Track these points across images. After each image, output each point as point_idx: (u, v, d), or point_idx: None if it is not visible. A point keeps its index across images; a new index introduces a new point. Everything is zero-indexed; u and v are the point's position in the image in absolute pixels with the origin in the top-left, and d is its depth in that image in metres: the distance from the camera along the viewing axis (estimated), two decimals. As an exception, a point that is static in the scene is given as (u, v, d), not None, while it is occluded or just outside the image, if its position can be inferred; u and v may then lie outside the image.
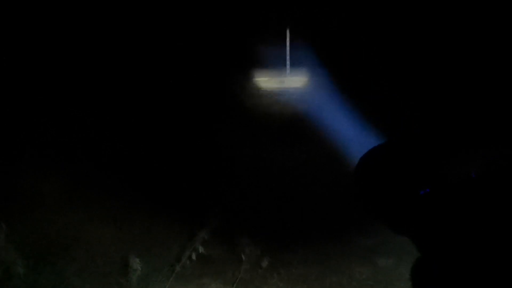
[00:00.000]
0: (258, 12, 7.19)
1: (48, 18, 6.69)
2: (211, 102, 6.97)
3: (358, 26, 6.92)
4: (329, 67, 7.11)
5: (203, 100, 6.95)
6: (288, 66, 7.58)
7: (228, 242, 4.72)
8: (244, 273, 4.45)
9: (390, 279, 4.52)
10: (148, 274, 4.36)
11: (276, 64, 7.62)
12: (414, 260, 1.59)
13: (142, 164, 5.78)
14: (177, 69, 7.09)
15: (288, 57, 7.55)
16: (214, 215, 4.84)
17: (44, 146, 6.18)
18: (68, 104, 6.55)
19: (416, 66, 6.76)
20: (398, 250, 4.79)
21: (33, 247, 4.54)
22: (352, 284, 4.43)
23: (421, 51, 6.77)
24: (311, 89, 7.35)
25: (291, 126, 6.86)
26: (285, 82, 7.61)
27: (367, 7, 6.90)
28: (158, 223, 4.90)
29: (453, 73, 6.57)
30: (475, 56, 6.53)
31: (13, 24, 6.54)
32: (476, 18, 6.51)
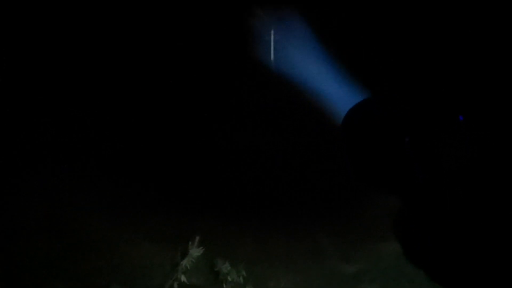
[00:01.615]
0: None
1: (48, 18, 6.75)
2: (206, 102, 7.01)
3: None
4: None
5: (198, 100, 6.99)
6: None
7: (210, 271, 4.69)
8: (226, 302, 4.45)
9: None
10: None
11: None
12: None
13: (124, 189, 5.77)
14: (177, 69, 7.13)
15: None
16: (196, 243, 4.81)
17: (44, 146, 6.19)
18: (68, 104, 6.57)
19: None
20: (382, 278, 4.79)
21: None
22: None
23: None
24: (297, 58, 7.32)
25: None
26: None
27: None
28: (140, 251, 4.86)
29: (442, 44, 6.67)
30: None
31: (13, 24, 6.60)
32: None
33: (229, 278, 4.61)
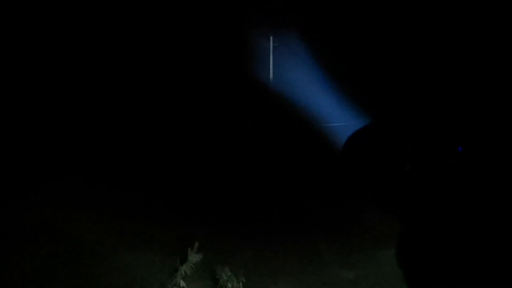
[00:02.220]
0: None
1: (48, 18, 6.72)
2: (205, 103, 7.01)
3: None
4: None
5: (198, 102, 6.98)
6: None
7: (209, 276, 4.71)
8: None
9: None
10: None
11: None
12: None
13: (121, 199, 5.77)
14: (176, 69, 7.12)
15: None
16: (195, 248, 4.83)
17: (44, 147, 6.20)
18: (68, 104, 6.57)
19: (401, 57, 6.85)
20: (381, 284, 4.81)
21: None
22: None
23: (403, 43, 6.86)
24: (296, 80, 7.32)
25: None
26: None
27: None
28: (139, 257, 4.87)
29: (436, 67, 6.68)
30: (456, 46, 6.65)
31: (13, 24, 6.58)
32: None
33: (229, 285, 4.62)
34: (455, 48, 6.78)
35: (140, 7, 6.95)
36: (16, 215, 5.36)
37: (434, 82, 6.70)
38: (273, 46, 7.32)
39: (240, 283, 4.63)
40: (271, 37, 7.35)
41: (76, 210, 5.46)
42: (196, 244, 4.82)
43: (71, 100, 6.82)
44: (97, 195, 5.75)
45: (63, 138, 6.57)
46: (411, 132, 6.19)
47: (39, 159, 6.24)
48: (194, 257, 4.74)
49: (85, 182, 6.03)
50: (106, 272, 4.68)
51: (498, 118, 6.21)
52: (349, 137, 5.95)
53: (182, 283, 4.57)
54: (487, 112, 6.33)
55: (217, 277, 4.63)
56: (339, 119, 6.29)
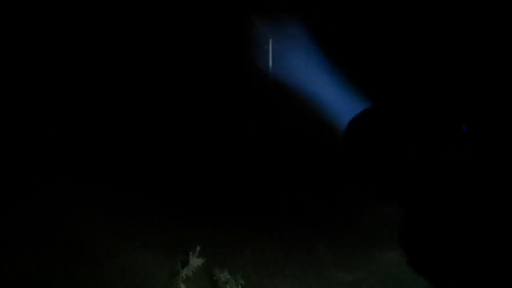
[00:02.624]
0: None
1: (48, 18, 6.72)
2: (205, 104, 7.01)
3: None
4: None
5: (197, 103, 6.98)
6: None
7: (209, 279, 4.72)
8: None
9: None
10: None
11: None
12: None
13: (124, 197, 5.79)
14: (176, 69, 7.11)
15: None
16: (196, 252, 4.85)
17: (44, 148, 6.22)
18: (68, 104, 6.57)
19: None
20: (380, 286, 4.82)
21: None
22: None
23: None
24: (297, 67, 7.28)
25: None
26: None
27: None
28: (139, 260, 4.89)
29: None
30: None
31: (13, 24, 6.58)
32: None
33: (228, 287, 4.64)
34: (456, 48, 6.77)
35: (140, 7, 6.94)
36: (15, 215, 5.38)
37: (434, 82, 6.69)
38: (272, 47, 7.30)
39: (239, 285, 4.65)
40: (270, 40, 7.34)
41: (75, 210, 5.48)
42: (198, 248, 4.84)
43: (71, 100, 6.81)
44: (97, 195, 5.77)
45: (63, 138, 6.57)
46: (411, 132, 6.17)
47: (39, 159, 6.25)
48: (195, 261, 4.76)
49: (84, 182, 6.04)
50: (105, 273, 4.69)
51: (498, 118, 6.20)
52: (349, 138, 5.93)
53: (183, 286, 4.59)
54: (487, 112, 6.32)
55: (215, 278, 4.65)
56: (339, 118, 6.27)
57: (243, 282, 4.66)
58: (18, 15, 6.67)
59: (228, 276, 4.69)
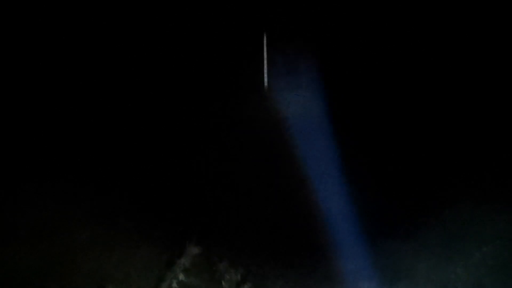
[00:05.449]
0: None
1: (48, 18, 6.76)
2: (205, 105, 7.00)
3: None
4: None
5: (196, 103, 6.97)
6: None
7: (208, 269, 4.69)
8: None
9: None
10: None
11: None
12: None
13: (119, 190, 5.75)
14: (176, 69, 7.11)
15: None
16: (193, 242, 4.82)
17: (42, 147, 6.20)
18: (68, 104, 6.58)
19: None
20: (379, 274, 4.79)
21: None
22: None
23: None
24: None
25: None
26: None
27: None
28: (135, 253, 4.86)
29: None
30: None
31: (13, 24, 6.62)
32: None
33: (227, 277, 4.62)
34: (455, 48, 6.79)
35: (140, 8, 6.99)
36: (14, 214, 5.35)
37: (434, 82, 6.70)
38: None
39: (239, 275, 4.63)
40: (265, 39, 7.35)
41: (72, 206, 5.43)
42: (195, 236, 4.82)
43: (71, 100, 6.81)
44: (94, 192, 5.72)
45: (63, 138, 6.55)
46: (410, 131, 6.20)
47: (38, 159, 6.23)
48: (193, 250, 4.73)
49: (82, 180, 5.99)
50: (102, 268, 4.65)
51: (498, 118, 6.24)
52: (349, 139, 5.97)
53: (182, 276, 4.56)
54: (487, 112, 6.36)
55: (214, 268, 4.63)
56: (338, 121, 6.25)
57: (243, 271, 4.64)
58: (18, 15, 6.73)
59: (227, 267, 4.67)
